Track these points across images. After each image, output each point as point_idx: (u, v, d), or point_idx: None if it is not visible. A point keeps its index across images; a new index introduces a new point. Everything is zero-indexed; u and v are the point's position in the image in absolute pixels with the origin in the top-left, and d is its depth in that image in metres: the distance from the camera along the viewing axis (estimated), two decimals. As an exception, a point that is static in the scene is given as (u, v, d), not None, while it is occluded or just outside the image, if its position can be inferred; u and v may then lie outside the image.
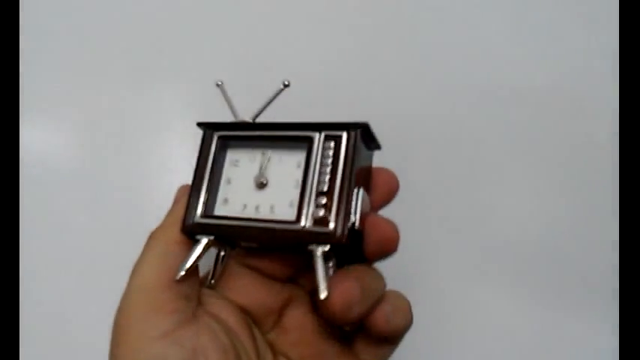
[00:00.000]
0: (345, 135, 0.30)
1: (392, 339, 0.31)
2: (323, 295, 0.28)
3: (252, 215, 0.31)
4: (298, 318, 0.33)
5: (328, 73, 0.48)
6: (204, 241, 0.31)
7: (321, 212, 0.29)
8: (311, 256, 0.29)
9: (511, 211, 0.43)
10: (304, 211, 0.30)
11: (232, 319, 0.31)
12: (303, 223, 0.29)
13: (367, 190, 0.31)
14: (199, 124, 0.34)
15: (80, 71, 0.47)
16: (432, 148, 0.45)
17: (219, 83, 0.37)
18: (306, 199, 0.30)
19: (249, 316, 0.33)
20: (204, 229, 0.31)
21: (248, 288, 0.33)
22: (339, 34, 0.50)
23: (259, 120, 0.35)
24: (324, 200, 0.29)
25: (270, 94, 0.35)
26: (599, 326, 0.40)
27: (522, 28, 0.47)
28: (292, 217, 0.30)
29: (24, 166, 0.44)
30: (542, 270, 0.42)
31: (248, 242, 0.32)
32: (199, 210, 0.32)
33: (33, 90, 0.45)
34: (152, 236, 0.34)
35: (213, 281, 0.34)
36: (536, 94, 0.45)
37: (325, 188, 0.30)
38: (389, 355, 0.33)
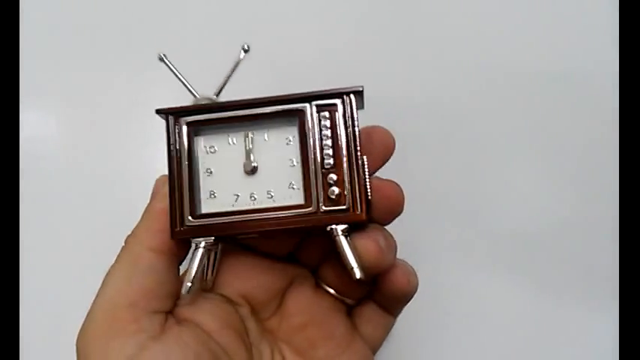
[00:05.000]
0: (339, 103, 0.28)
1: (405, 301, 0.30)
2: (358, 275, 0.26)
3: (250, 206, 0.28)
4: (303, 299, 0.30)
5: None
6: (203, 244, 0.27)
7: (334, 190, 0.27)
8: (325, 234, 0.27)
9: (513, 200, 0.43)
10: (313, 192, 0.27)
11: (210, 319, 0.28)
12: (315, 205, 0.27)
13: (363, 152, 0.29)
14: (159, 112, 0.28)
15: (72, 56, 0.44)
16: (434, 137, 0.43)
17: (162, 56, 0.31)
18: (312, 179, 0.27)
19: (250, 304, 0.30)
20: (200, 232, 0.27)
21: (248, 273, 0.30)
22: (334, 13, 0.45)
23: (223, 94, 0.31)
24: (333, 176, 0.27)
25: (231, 65, 0.31)
26: (599, 316, 0.41)
27: (530, 15, 0.45)
28: (299, 200, 0.28)
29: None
30: (543, 260, 0.42)
31: (252, 235, 0.28)
32: (187, 210, 0.27)
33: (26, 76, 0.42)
34: (125, 242, 0.29)
35: (209, 282, 0.30)
36: (542, 83, 0.44)
37: (331, 163, 0.27)
38: (389, 330, 0.32)
